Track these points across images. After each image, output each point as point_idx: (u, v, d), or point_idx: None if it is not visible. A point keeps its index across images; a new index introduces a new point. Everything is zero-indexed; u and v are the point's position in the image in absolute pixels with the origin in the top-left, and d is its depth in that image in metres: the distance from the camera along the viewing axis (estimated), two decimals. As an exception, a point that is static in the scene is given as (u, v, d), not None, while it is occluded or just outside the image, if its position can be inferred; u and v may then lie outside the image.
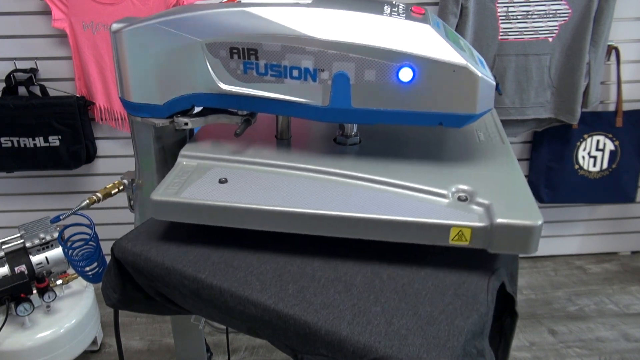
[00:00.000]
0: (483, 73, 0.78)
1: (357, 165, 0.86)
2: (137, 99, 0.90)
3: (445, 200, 0.79)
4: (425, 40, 0.78)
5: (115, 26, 0.87)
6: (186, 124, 0.93)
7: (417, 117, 0.82)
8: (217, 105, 0.90)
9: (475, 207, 0.77)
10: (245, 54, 0.82)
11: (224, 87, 0.86)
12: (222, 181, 0.83)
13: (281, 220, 0.78)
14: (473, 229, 0.74)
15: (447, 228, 0.74)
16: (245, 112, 0.93)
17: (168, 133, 0.97)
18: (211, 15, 0.83)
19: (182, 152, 0.91)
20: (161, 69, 0.87)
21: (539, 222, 0.72)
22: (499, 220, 0.73)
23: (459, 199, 0.79)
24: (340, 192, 0.80)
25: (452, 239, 0.75)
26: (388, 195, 0.80)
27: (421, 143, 0.96)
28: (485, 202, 0.76)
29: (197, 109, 0.96)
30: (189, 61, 0.86)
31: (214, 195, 0.79)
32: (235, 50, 0.82)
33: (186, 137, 1.00)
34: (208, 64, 0.85)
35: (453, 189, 0.80)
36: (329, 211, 0.76)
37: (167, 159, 0.99)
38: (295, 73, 0.81)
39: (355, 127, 0.95)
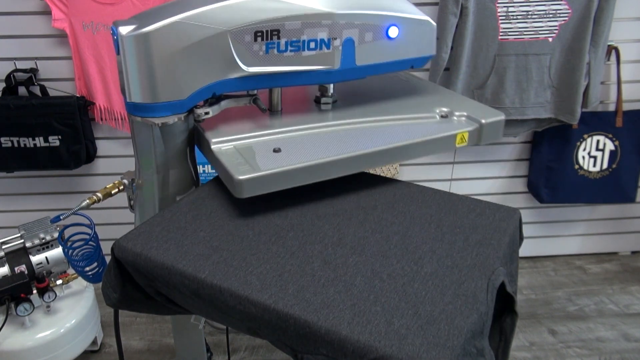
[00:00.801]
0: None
1: (359, 114, 1.05)
2: (159, 98, 0.91)
3: (435, 119, 1.05)
4: (400, 5, 1.01)
5: (124, 30, 0.86)
6: (207, 113, 0.98)
7: (399, 64, 1.05)
8: (239, 88, 0.96)
9: (456, 119, 1.05)
10: (269, 36, 0.92)
11: (248, 69, 0.93)
12: (277, 150, 0.93)
13: (343, 165, 0.93)
14: (470, 132, 1.02)
15: (453, 136, 1.00)
16: (255, 92, 1.03)
17: (173, 131, 0.97)
18: (237, 4, 0.89)
19: (213, 140, 0.96)
20: (186, 63, 0.89)
21: (503, 116, 1.05)
22: (483, 121, 1.02)
23: (442, 116, 1.06)
24: (369, 134, 0.99)
25: (457, 143, 1.01)
26: (400, 127, 1.01)
27: (381, 91, 1.17)
28: (463, 113, 1.06)
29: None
30: (214, 51, 0.90)
31: (284, 161, 0.90)
32: (259, 34, 0.91)
33: (187, 135, 1.00)
34: (233, 50, 0.91)
35: (437, 111, 1.07)
36: (376, 148, 0.94)
37: (168, 159, 0.99)
38: (312, 45, 0.95)
39: (332, 87, 1.12)
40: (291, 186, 0.90)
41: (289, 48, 0.93)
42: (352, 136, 0.98)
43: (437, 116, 1.05)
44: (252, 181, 0.86)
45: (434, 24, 1.03)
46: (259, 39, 0.91)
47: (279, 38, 0.92)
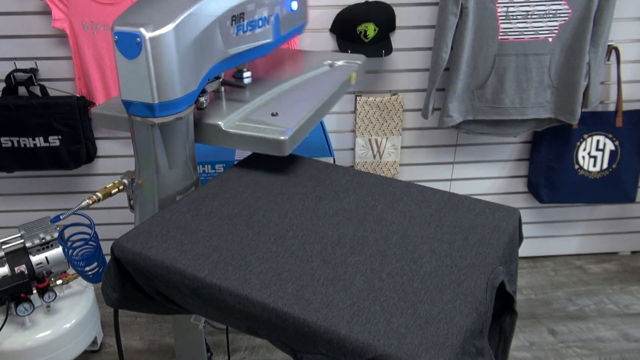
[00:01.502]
0: None
1: (282, 79, 1.24)
2: (181, 92, 0.93)
3: (328, 69, 1.34)
4: None
5: (147, 33, 0.86)
6: (206, 100, 1.06)
7: (294, 32, 1.28)
8: (222, 70, 1.06)
9: (339, 65, 1.36)
10: (238, 19, 1.04)
11: (229, 51, 1.04)
12: (275, 114, 1.07)
13: (322, 112, 1.14)
14: (356, 72, 1.32)
15: (348, 78, 1.29)
16: (222, 75, 1.15)
17: (173, 131, 0.97)
18: None
19: (222, 123, 1.03)
20: (195, 54, 0.94)
21: (364, 56, 1.42)
22: (359, 62, 1.38)
23: (331, 66, 1.35)
24: (313, 88, 1.21)
25: (350, 82, 1.30)
26: (318, 78, 1.27)
27: (276, 59, 1.39)
28: (343, 61, 1.38)
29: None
30: (210, 38, 0.97)
31: (291, 118, 1.05)
32: (234, 18, 1.02)
33: (187, 134, 1.00)
34: (220, 35, 0.99)
35: (324, 64, 1.35)
36: (328, 94, 1.18)
37: (168, 159, 0.99)
38: (260, 23, 1.11)
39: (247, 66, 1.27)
40: (306, 135, 1.08)
41: (248, 28, 1.07)
42: (306, 92, 1.19)
43: (328, 67, 1.33)
44: (291, 138, 1.00)
45: None
46: (234, 22, 1.02)
47: (243, 20, 1.05)
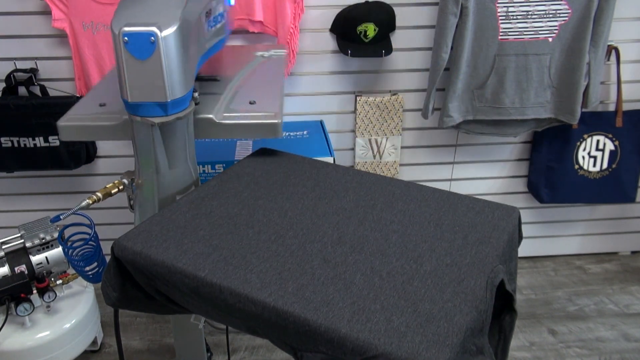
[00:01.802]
0: None
1: (233, 74, 1.30)
2: (186, 89, 0.95)
3: (263, 59, 1.42)
4: None
5: (160, 32, 0.86)
6: (198, 95, 1.07)
7: (231, 25, 1.33)
8: (202, 63, 1.08)
9: (269, 55, 1.45)
10: (208, 14, 1.08)
11: (206, 45, 1.08)
12: (252, 102, 1.13)
13: (283, 94, 1.26)
14: (285, 60, 1.43)
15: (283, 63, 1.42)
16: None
17: (173, 130, 0.98)
18: None
19: (213, 116, 1.06)
20: (192, 49, 0.95)
21: (285, 49, 1.53)
22: (283, 52, 1.48)
23: (263, 57, 1.44)
24: (270, 78, 1.29)
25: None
26: (264, 68, 1.35)
27: (226, 58, 1.46)
28: (271, 51, 1.47)
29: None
30: (197, 33, 1.00)
31: (271, 104, 1.12)
32: (207, 13, 1.07)
33: (186, 133, 1.00)
34: (205, 29, 1.03)
35: (257, 55, 1.44)
36: (280, 80, 1.27)
37: (168, 158, 0.99)
38: (219, 18, 1.17)
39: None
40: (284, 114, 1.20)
41: (213, 23, 1.12)
42: (263, 79, 1.27)
43: (261, 58, 1.43)
44: (281, 120, 1.08)
45: None
46: (206, 18, 1.06)
47: (211, 16, 1.09)
